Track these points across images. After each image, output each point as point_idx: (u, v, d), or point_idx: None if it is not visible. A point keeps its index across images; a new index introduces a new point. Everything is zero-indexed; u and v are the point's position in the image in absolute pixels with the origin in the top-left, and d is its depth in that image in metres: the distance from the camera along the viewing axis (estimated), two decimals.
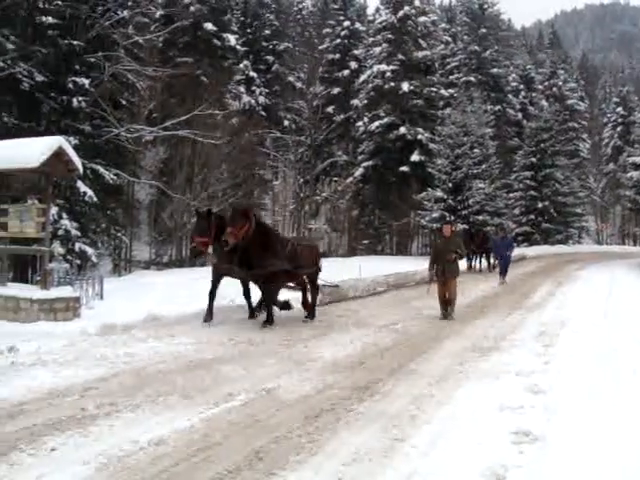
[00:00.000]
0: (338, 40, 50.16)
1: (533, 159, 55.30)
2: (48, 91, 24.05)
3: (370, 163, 42.33)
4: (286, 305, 13.80)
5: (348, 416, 6.74)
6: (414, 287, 21.28)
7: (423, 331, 12.71)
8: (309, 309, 14.00)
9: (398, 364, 9.34)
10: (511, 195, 53.84)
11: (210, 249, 13.25)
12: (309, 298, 14.25)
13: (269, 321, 12.64)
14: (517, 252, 33.25)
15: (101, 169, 25.31)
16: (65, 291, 13.13)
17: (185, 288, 17.23)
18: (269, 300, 13.08)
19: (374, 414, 6.81)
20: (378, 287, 20.03)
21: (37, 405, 6.90)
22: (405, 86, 40.96)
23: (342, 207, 46.05)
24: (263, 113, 47.05)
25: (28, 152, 12.48)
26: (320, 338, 11.56)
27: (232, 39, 41.65)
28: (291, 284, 14.55)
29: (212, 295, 13.07)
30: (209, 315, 12.82)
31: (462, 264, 24.47)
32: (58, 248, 19.74)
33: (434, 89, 43.36)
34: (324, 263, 15.41)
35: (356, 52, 48.86)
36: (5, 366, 8.27)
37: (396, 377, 8.56)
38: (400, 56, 42.12)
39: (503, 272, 24.04)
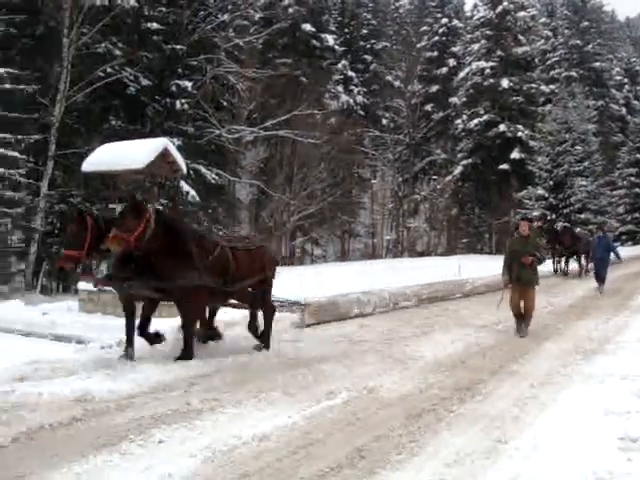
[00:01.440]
0: (436, 38, 49.75)
1: (638, 155, 53.51)
2: (153, 94, 24.73)
3: (469, 161, 41.82)
4: (157, 338, 9.22)
5: (449, 416, 6.64)
6: (458, 300, 17.81)
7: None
8: (262, 335, 10.10)
9: (499, 365, 9.19)
10: (615, 193, 52.29)
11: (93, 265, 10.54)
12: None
13: (186, 355, 8.72)
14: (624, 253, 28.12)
15: (203, 169, 25.87)
16: None
17: (285, 286, 17.36)
18: (187, 327, 8.96)
19: (476, 415, 6.70)
20: (403, 301, 15.90)
21: (144, 399, 7.07)
22: (505, 83, 40.30)
23: (441, 206, 45.68)
24: (361, 112, 47.08)
25: (135, 154, 12.81)
26: (421, 337, 11.49)
27: (330, 39, 41.85)
28: (233, 301, 10.54)
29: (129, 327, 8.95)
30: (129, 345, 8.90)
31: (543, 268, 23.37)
32: None
33: (534, 85, 42.49)
34: (427, 261, 14.90)
35: (454, 49, 48.35)
36: (114, 360, 8.49)
37: (498, 378, 8.42)
38: (499, 52, 41.45)
39: (600, 278, 20.29)
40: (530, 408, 6.98)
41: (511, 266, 11.95)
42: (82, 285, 14.14)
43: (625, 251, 35.11)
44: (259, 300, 10.26)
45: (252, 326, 10.19)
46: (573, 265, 27.59)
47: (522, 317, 11.95)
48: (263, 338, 10.03)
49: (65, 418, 6.23)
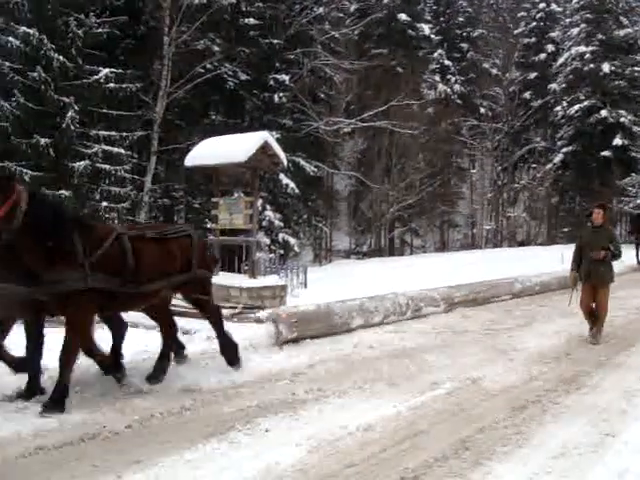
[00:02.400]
0: (533, 23, 48.60)
1: None
2: (251, 89, 25.07)
3: (569, 149, 40.83)
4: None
5: (554, 408, 6.53)
6: (505, 304, 14.84)
7: (631, 321, 12.15)
8: (223, 351, 7.95)
9: (605, 356, 8.99)
10: None
11: None
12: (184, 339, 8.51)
13: (56, 401, 6.15)
14: None
15: (302, 161, 26.09)
16: (272, 280, 13.63)
17: (385, 276, 17.40)
18: (68, 351, 6.30)
19: (582, 407, 6.56)
20: (426, 306, 12.73)
21: (250, 388, 7.19)
22: (606, 67, 39.13)
23: (541, 194, 44.71)
24: (459, 101, 46.49)
25: (236, 148, 13.04)
26: (524, 328, 11.32)
27: (426, 28, 41.56)
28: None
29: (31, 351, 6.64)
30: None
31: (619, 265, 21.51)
32: (263, 238, 20.59)
33: (637, 69, 41.09)
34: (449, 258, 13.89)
35: (552, 34, 47.15)
36: (216, 350, 8.63)
37: (604, 370, 8.25)
38: (600, 36, 40.25)
39: None
40: (638, 401, 6.81)
41: (581, 261, 10.39)
42: None
43: None
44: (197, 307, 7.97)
45: (165, 342, 7.61)
46: None
47: (592, 317, 10.28)
48: (227, 354, 7.88)
49: (175, 407, 6.40)
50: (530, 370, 8.12)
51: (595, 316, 10.29)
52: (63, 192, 18.29)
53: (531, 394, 7.03)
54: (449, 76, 47.44)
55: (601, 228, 10.36)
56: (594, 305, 10.34)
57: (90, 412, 6.20)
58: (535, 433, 5.80)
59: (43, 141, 18.29)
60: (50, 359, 6.50)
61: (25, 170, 18.26)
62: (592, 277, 10.20)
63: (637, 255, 24.57)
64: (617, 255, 10.25)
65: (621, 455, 5.30)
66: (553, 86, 43.77)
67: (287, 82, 25.41)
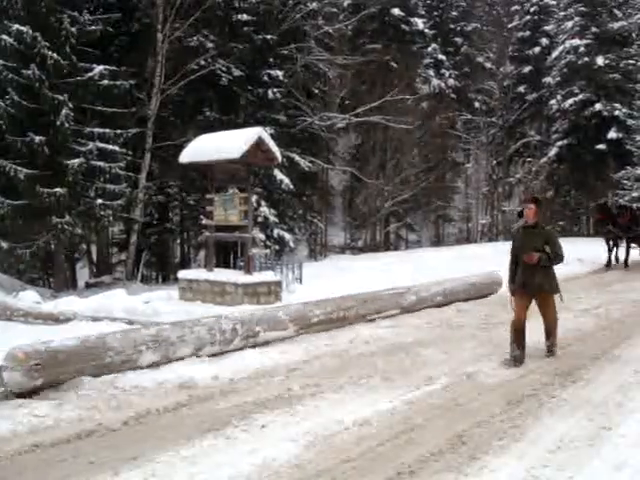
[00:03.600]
0: (527, 17, 48.53)
1: None
2: (245, 85, 25.05)
3: (564, 142, 40.82)
4: None
5: (551, 402, 6.55)
6: (390, 321, 11.41)
7: (627, 315, 12.17)
8: None
9: (601, 350, 9.00)
10: None
11: None
12: None
13: None
14: None
15: (296, 157, 26.09)
16: (267, 276, 13.67)
17: (381, 272, 17.42)
18: None
19: (578, 401, 6.58)
20: (265, 331, 9.32)
21: (246, 384, 7.23)
22: (600, 60, 39.12)
23: (536, 188, 44.68)
24: (453, 96, 46.46)
25: (230, 144, 13.07)
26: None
27: (420, 23, 41.51)
28: None
29: None
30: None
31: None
32: (258, 234, 20.59)
33: (632, 61, 41.03)
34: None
35: (547, 28, 47.07)
36: None
37: (600, 363, 8.27)
38: (594, 29, 40.22)
39: None
40: (634, 394, 6.81)
41: (516, 268, 8.59)
42: (181, 274, 14.53)
43: None
44: None
45: None
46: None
47: (521, 340, 8.29)
48: None
49: (171, 403, 6.43)
50: (526, 364, 8.14)
51: (523, 334, 8.32)
52: (58, 190, 18.30)
53: (527, 388, 7.05)
54: (443, 70, 47.39)
55: (535, 227, 8.50)
56: (542, 321, 8.65)
57: (86, 409, 6.23)
58: (531, 427, 5.82)
59: (37, 139, 18.29)
60: None
61: (19, 168, 18.27)
62: (528, 286, 8.39)
63: (610, 253, 21.48)
64: (556, 259, 8.34)
65: (618, 448, 5.32)
66: (547, 80, 43.76)
67: (281, 78, 25.36)
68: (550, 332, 8.71)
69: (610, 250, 21.30)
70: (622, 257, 21.46)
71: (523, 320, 8.37)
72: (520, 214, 8.89)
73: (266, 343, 9.19)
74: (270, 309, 10.07)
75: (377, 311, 11.33)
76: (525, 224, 8.64)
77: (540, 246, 8.34)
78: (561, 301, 8.81)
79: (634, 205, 24.78)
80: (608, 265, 21.21)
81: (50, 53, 18.47)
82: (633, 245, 21.51)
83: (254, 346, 8.95)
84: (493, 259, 20.32)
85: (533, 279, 8.36)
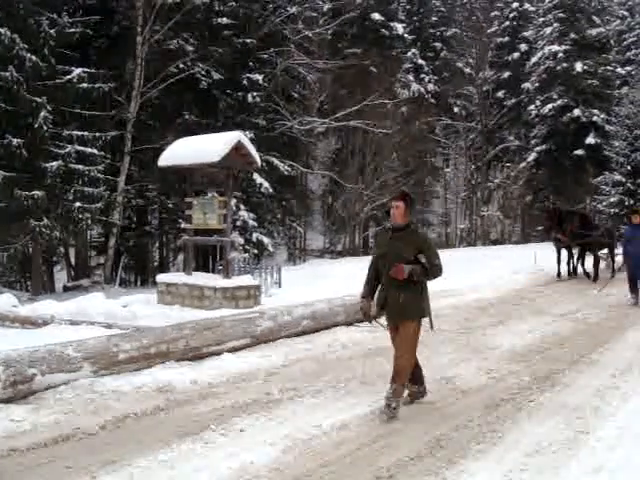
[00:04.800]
0: (506, 22, 48.87)
1: None
2: (224, 88, 25.07)
3: (543, 147, 41.09)
4: None
5: (529, 406, 6.57)
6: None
7: (605, 319, 12.26)
8: None
9: (579, 354, 9.01)
10: None
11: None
12: None
13: None
14: None
15: (276, 161, 26.12)
16: (246, 279, 13.66)
17: (360, 276, 17.41)
18: None
19: (556, 405, 6.61)
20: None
21: (225, 388, 7.21)
22: (578, 66, 39.43)
23: (515, 193, 45.00)
24: (432, 100, 46.63)
25: (209, 148, 13.05)
26: (498, 326, 11.39)
27: (399, 28, 41.64)
28: None
29: None
30: None
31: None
32: (237, 238, 20.57)
33: (610, 68, 41.46)
34: None
35: (526, 34, 47.39)
36: None
37: (578, 367, 8.29)
38: (572, 35, 40.53)
39: (635, 284, 14.23)
40: (612, 398, 6.86)
41: (377, 281, 6.64)
42: (160, 278, 14.48)
43: None
44: None
45: None
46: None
47: (416, 372, 6.60)
48: None
49: (149, 407, 6.41)
50: (504, 368, 8.18)
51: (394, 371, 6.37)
52: (36, 192, 18.19)
53: (505, 392, 7.07)
54: (423, 75, 47.57)
55: (404, 231, 6.38)
56: (394, 355, 6.44)
57: (63, 413, 6.19)
58: (509, 431, 5.84)
59: (15, 141, 18.18)
60: None
61: None
62: (389, 308, 6.43)
63: (558, 262, 19.74)
64: (433, 272, 6.30)
65: (595, 452, 5.35)
66: (526, 85, 44.05)
67: (261, 82, 25.40)
68: (397, 373, 6.28)
69: (559, 260, 19.55)
70: (584, 268, 19.66)
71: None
72: (387, 213, 6.62)
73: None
74: (57, 344, 7.30)
75: (217, 342, 8.68)
76: (392, 226, 6.46)
77: (410, 255, 6.25)
78: (431, 329, 6.84)
79: (588, 210, 23.95)
80: (559, 275, 19.49)
81: (28, 55, 18.38)
82: (603, 254, 20.28)
83: (26, 396, 6.60)
84: (471, 264, 20.48)
85: (396, 299, 6.30)
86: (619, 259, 17.50)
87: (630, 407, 6.58)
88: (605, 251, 20.31)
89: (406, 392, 6.53)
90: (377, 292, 6.63)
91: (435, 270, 6.28)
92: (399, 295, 6.27)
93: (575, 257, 19.88)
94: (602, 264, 20.11)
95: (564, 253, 19.82)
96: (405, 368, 6.28)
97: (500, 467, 5.02)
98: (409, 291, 6.27)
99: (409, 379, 6.44)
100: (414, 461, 5.13)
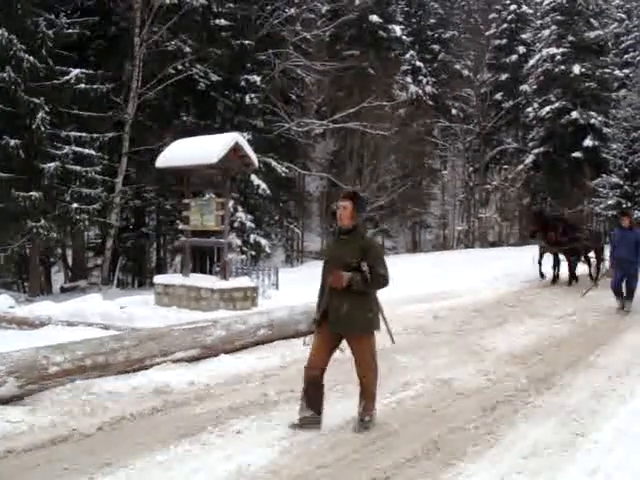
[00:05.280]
0: (504, 25, 48.89)
1: None
2: (222, 90, 25.07)
3: (541, 150, 41.11)
4: None
5: (525, 409, 6.57)
6: None
7: (602, 322, 12.27)
8: None
9: (575, 357, 9.02)
10: None
11: None
12: None
13: None
14: None
15: (273, 163, 26.11)
16: (243, 281, 13.65)
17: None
18: None
19: (552, 407, 6.61)
20: None
21: (222, 389, 7.21)
22: (576, 69, 39.45)
23: (512, 195, 45.02)
24: (430, 102, 46.63)
25: (207, 149, 13.03)
26: (495, 328, 11.40)
27: (398, 30, 41.64)
28: None
29: None
30: None
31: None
32: (235, 240, 20.56)
33: (607, 70, 41.50)
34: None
35: (524, 36, 47.44)
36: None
37: (574, 370, 8.28)
38: (570, 38, 40.57)
39: (627, 290, 13.40)
40: (608, 401, 6.87)
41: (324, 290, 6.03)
42: (157, 279, 14.47)
43: None
44: None
45: None
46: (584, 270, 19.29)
47: (316, 396, 5.92)
48: None
49: (146, 409, 6.40)
50: (501, 370, 8.18)
51: (317, 388, 5.94)
52: (33, 193, 18.18)
53: (502, 394, 7.07)
54: (421, 77, 47.58)
55: (350, 234, 5.85)
56: (356, 371, 6.04)
57: (60, 414, 6.18)
58: (506, 433, 5.84)
59: (13, 142, 18.17)
60: None
61: None
62: (332, 320, 5.81)
63: (540, 265, 18.92)
64: (375, 282, 5.74)
65: (591, 454, 5.35)
66: (524, 87, 44.09)
67: (258, 83, 25.39)
68: (365, 389, 5.98)
69: (541, 263, 18.78)
70: (565, 273, 18.70)
71: (319, 370, 5.92)
72: (334, 215, 6.25)
73: None
74: None
75: (163, 353, 8.05)
76: (340, 229, 5.96)
77: (354, 262, 5.67)
78: (392, 342, 6.48)
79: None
80: (542, 277, 18.81)
81: (26, 56, 18.36)
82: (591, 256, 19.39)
83: None
84: (468, 266, 20.48)
85: (339, 310, 5.73)
86: (607, 263, 16.80)
87: (627, 409, 6.59)
88: (592, 254, 19.41)
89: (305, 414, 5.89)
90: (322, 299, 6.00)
91: (379, 280, 5.72)
92: (342, 305, 5.72)
93: (567, 263, 18.64)
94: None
95: (554, 258, 18.96)
96: (372, 383, 5.96)
97: (497, 469, 5.02)
98: (354, 301, 5.72)
99: (305, 401, 5.86)
100: (411, 463, 5.13)
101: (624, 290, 13.45)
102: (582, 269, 19.15)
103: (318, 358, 5.93)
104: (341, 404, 6.63)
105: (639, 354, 9.16)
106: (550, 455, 5.33)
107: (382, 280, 5.76)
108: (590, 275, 18.72)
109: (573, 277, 18.39)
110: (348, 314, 5.72)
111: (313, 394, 5.87)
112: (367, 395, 5.93)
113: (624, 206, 31.86)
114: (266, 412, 6.36)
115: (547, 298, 15.60)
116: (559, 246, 18.36)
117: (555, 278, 18.75)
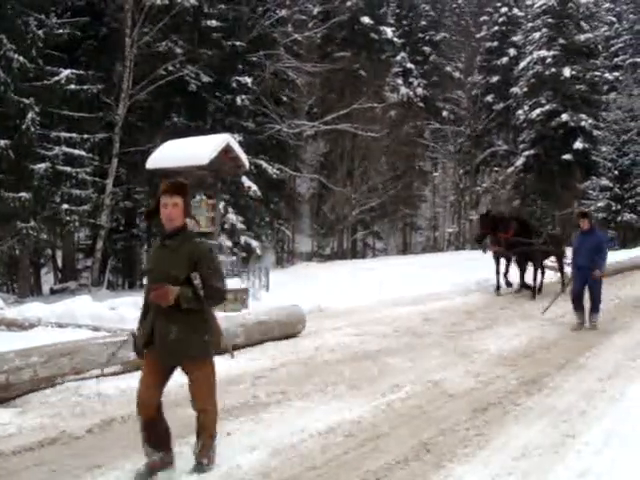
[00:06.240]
0: (495, 27, 49.08)
1: None
2: (213, 91, 25.01)
3: (531, 152, 41.28)
4: None
5: (516, 410, 6.58)
6: None
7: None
8: None
9: (566, 358, 9.04)
10: None
11: None
12: None
13: None
14: None
15: (264, 164, 26.09)
16: (233, 283, 13.61)
17: (348, 280, 17.43)
18: None
19: (543, 409, 6.62)
20: None
21: None
22: (567, 71, 39.61)
23: (503, 197, 45.12)
24: (421, 104, 46.79)
25: (198, 150, 13.03)
26: (485, 330, 11.41)
27: (389, 32, 41.73)
28: None
29: None
30: None
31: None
32: (225, 241, 20.52)
33: (597, 73, 41.73)
34: None
35: (514, 39, 47.64)
36: None
37: (564, 372, 8.30)
38: (561, 40, 40.76)
39: (591, 302, 11.71)
40: (598, 402, 6.88)
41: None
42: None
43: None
44: None
45: None
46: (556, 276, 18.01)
47: (155, 439, 4.85)
48: None
49: (136, 410, 6.37)
50: (491, 372, 8.19)
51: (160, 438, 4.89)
52: (23, 194, 18.08)
53: (492, 396, 7.08)
54: (412, 79, 47.73)
55: (177, 238, 4.77)
56: (192, 405, 5.02)
57: (49, 416, 6.16)
58: (496, 435, 5.85)
59: (3, 142, 18.06)
60: None
61: None
62: (158, 347, 4.70)
63: (499, 275, 16.90)
64: (211, 298, 4.67)
65: (581, 455, 5.36)
66: (515, 90, 44.23)
67: (250, 84, 25.37)
68: (203, 427, 4.98)
69: (498, 271, 16.84)
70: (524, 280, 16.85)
71: (153, 408, 4.82)
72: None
73: None
74: None
75: (76, 370, 7.24)
76: (163, 232, 4.91)
77: (183, 272, 4.60)
78: (231, 357, 5.96)
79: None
80: (498, 289, 16.76)
81: (16, 56, 18.25)
82: (551, 261, 17.83)
83: None
84: (459, 267, 20.51)
85: (167, 335, 4.64)
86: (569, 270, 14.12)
87: (617, 411, 6.59)
88: (553, 259, 17.68)
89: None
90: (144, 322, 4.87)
91: (214, 295, 4.66)
92: (170, 329, 4.61)
93: (518, 269, 16.76)
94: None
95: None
96: (211, 419, 4.97)
97: (487, 471, 5.01)
98: (185, 323, 4.63)
99: (148, 443, 4.81)
100: (401, 465, 5.13)
101: (586, 302, 11.76)
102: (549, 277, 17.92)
103: (149, 395, 4.76)
104: (332, 406, 6.64)
105: (629, 356, 9.18)
106: (540, 456, 5.34)
107: (218, 294, 4.70)
108: (540, 286, 16.89)
109: (524, 286, 16.55)
110: (178, 340, 4.60)
111: (155, 435, 4.85)
112: (206, 435, 4.95)
113: (616, 209, 32.05)
114: (256, 414, 6.35)
115: (537, 300, 15.62)
116: (511, 248, 16.36)
117: (509, 285, 16.84)
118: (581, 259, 11.44)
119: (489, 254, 17.06)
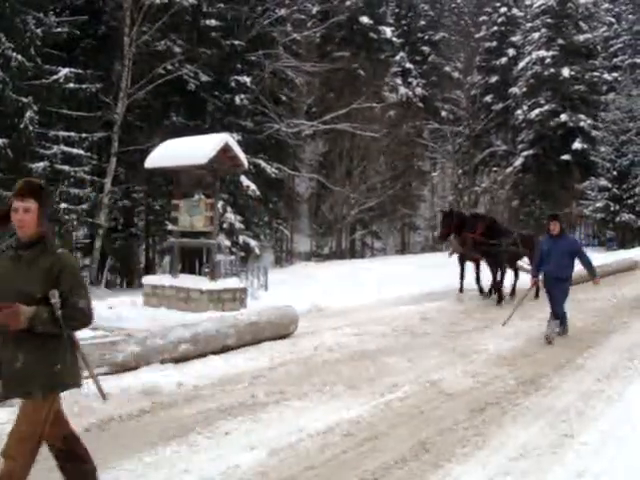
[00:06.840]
0: (495, 27, 49.14)
1: None
2: (212, 90, 25.00)
3: (530, 152, 41.32)
4: None
5: (514, 410, 6.57)
6: None
7: (590, 324, 12.29)
8: None
9: (564, 359, 9.03)
10: None
11: None
12: None
13: None
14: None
15: (263, 163, 26.08)
16: (232, 282, 13.64)
17: (347, 279, 17.41)
18: None
19: (541, 409, 6.61)
20: None
21: (211, 391, 7.18)
22: (566, 72, 39.65)
23: (502, 197, 45.15)
24: (420, 104, 46.81)
25: (197, 150, 13.02)
26: (484, 330, 11.40)
27: (388, 31, 41.75)
28: None
29: None
30: None
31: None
32: (224, 241, 20.50)
33: (596, 74, 41.78)
34: None
35: (513, 39, 47.69)
36: None
37: (562, 372, 8.29)
38: (560, 41, 40.80)
39: (555, 310, 10.59)
40: (596, 402, 6.88)
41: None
42: (146, 280, 14.42)
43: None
44: None
45: None
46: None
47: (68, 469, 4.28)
48: None
49: (134, 410, 6.37)
50: (489, 372, 8.18)
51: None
52: None
53: (491, 396, 7.07)
54: (411, 79, 47.76)
55: (33, 249, 3.84)
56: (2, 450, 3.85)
57: None
58: (494, 435, 5.84)
59: (1, 141, 18.04)
60: None
61: None
62: (4, 378, 3.81)
63: (461, 277, 15.98)
64: (72, 320, 3.74)
65: (580, 455, 5.35)
66: (514, 90, 44.26)
67: (248, 84, 25.37)
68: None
69: (462, 275, 15.93)
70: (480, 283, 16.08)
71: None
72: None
73: None
74: None
75: None
76: (17, 242, 3.94)
77: (39, 290, 3.73)
78: (104, 400, 5.28)
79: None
80: (461, 291, 15.80)
81: (14, 55, 18.23)
82: (524, 263, 16.61)
83: None
84: (457, 267, 20.41)
85: (13, 363, 3.76)
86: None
87: (615, 411, 6.59)
88: (526, 260, 16.37)
89: None
90: None
91: (75, 316, 3.76)
92: (16, 356, 3.75)
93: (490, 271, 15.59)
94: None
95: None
96: (16, 473, 3.80)
97: (485, 471, 5.01)
98: (34, 349, 3.76)
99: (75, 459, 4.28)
100: (399, 464, 5.12)
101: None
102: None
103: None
104: (330, 405, 6.63)
105: (627, 356, 9.17)
106: (538, 456, 5.33)
107: (81, 316, 3.80)
108: (513, 289, 16.22)
109: (496, 291, 15.42)
110: (25, 369, 3.74)
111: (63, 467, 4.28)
112: None
113: (614, 209, 32.04)
114: (254, 414, 6.33)
115: (536, 300, 15.59)
116: (477, 249, 15.16)
117: (462, 288, 15.85)
118: (550, 267, 10.58)
119: (454, 258, 15.78)
